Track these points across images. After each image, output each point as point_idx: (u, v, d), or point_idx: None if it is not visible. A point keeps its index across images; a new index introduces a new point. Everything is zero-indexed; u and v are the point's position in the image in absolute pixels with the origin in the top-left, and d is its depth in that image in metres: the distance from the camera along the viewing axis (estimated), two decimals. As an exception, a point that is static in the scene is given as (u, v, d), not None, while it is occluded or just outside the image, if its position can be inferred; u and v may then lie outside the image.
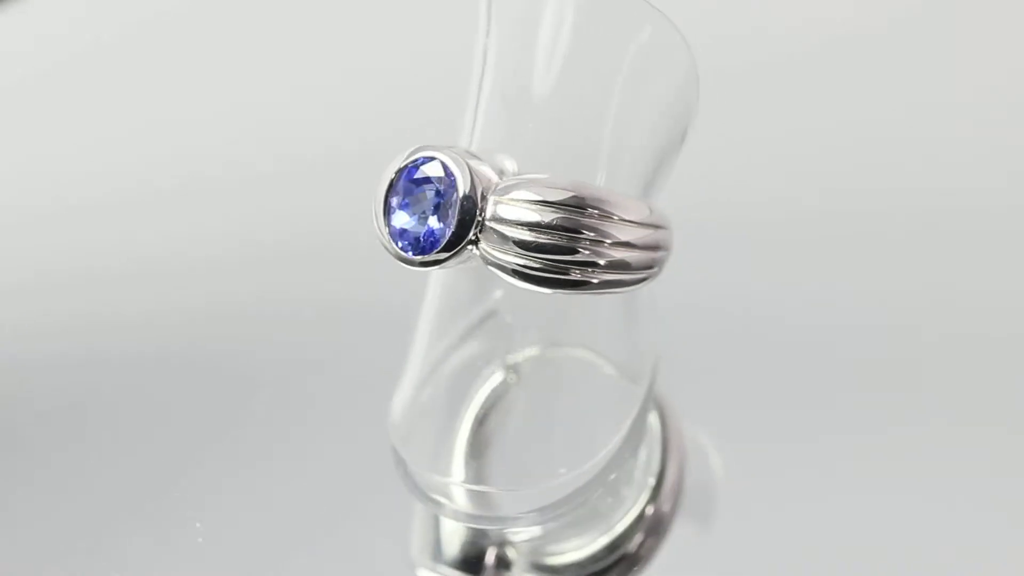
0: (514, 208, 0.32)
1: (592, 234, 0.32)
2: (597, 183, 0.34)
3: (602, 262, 0.32)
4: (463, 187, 0.32)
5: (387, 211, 0.32)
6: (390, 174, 0.32)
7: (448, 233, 0.32)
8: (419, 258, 0.32)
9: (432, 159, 0.32)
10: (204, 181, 0.48)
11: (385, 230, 0.32)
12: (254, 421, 0.40)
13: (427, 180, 0.32)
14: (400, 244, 0.32)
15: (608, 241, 0.32)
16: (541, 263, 0.32)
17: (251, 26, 0.53)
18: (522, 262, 0.32)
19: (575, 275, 0.32)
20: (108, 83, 0.52)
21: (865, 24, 0.51)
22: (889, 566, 0.36)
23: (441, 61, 0.47)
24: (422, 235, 0.32)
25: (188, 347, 0.42)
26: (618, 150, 0.34)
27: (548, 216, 0.32)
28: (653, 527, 0.37)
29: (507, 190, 0.32)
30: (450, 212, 0.32)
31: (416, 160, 0.32)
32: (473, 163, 0.32)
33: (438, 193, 0.32)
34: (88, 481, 0.39)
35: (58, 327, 0.43)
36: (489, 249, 0.32)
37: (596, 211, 0.32)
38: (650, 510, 0.37)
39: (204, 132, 0.49)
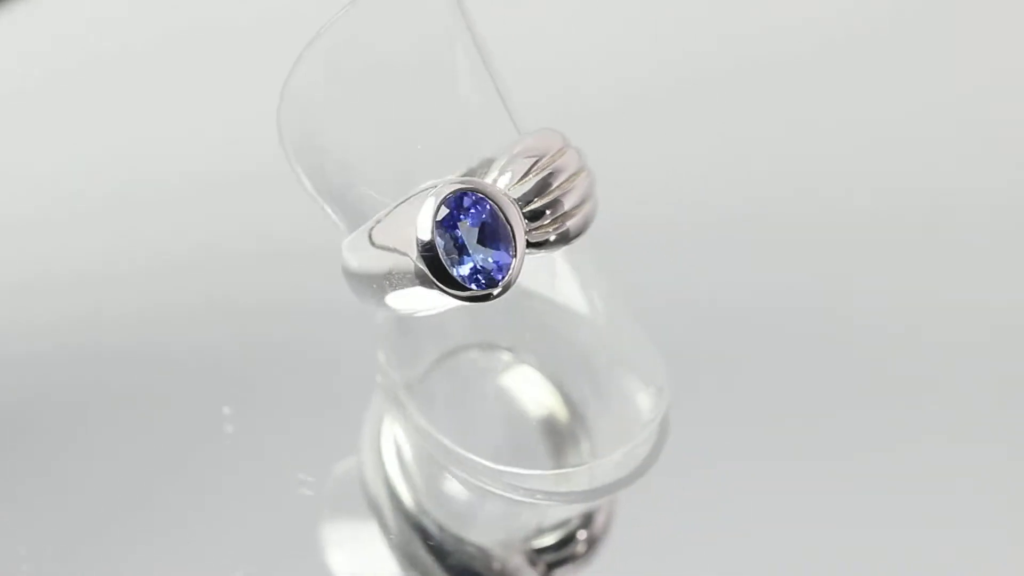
0: (521, 186, 0.32)
1: (569, 170, 0.33)
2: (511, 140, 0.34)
3: (585, 185, 0.33)
4: (500, 200, 0.32)
5: (439, 270, 0.32)
6: (418, 241, 0.31)
7: (516, 244, 0.32)
8: (500, 285, 0.32)
9: (444, 198, 0.32)
10: (203, 180, 0.48)
11: (450, 289, 0.32)
12: (249, 419, 0.40)
13: (458, 220, 0.32)
14: (473, 286, 0.32)
15: (576, 171, 0.33)
16: (562, 218, 0.33)
17: (250, 30, 0.53)
18: (556, 227, 0.33)
19: (578, 212, 0.33)
20: (106, 83, 0.52)
21: (862, 22, 0.51)
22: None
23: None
24: (485, 267, 0.32)
25: (180, 346, 0.42)
26: (486, 100, 0.35)
27: (534, 179, 0.32)
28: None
29: (501, 180, 0.32)
30: (499, 230, 0.32)
31: (444, 211, 0.32)
32: (478, 178, 0.32)
33: (473, 223, 0.32)
34: (79, 480, 0.39)
35: (53, 326, 0.43)
36: (536, 236, 0.33)
37: (549, 154, 0.33)
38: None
39: (202, 132, 0.49)
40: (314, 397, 0.41)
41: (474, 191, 0.32)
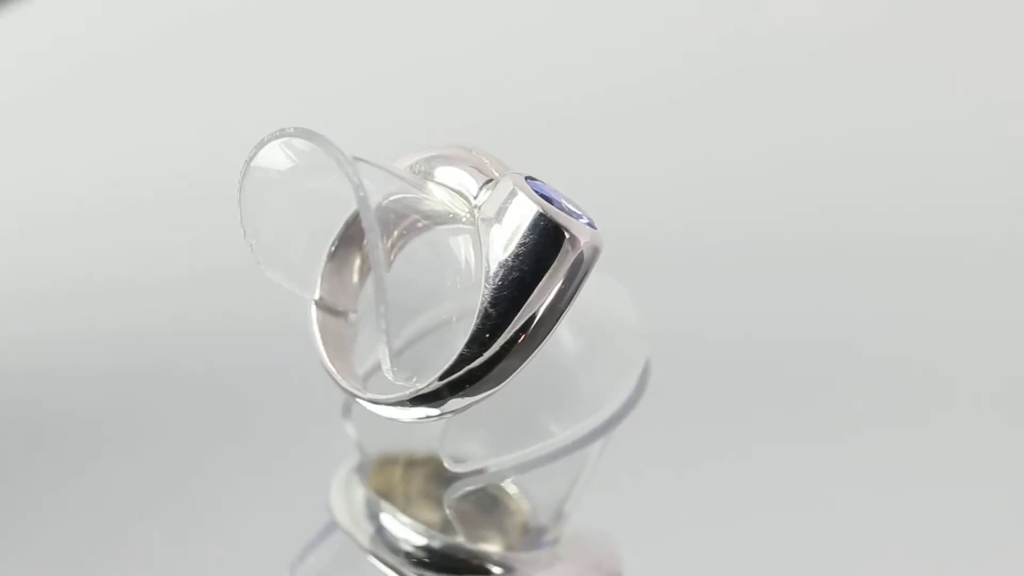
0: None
1: (488, 163, 0.33)
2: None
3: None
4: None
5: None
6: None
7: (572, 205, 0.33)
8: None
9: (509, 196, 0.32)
10: (203, 190, 0.48)
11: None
12: (254, 431, 0.40)
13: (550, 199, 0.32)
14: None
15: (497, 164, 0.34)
16: None
17: (247, 36, 0.53)
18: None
19: None
20: (106, 83, 0.52)
21: (858, 33, 0.51)
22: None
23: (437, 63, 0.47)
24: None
25: (184, 359, 0.42)
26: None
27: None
28: None
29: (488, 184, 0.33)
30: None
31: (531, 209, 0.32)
32: (504, 181, 0.33)
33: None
34: (73, 490, 0.39)
35: (59, 337, 0.43)
36: None
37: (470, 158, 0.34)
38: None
39: (199, 141, 0.49)
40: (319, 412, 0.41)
41: (534, 179, 0.32)
